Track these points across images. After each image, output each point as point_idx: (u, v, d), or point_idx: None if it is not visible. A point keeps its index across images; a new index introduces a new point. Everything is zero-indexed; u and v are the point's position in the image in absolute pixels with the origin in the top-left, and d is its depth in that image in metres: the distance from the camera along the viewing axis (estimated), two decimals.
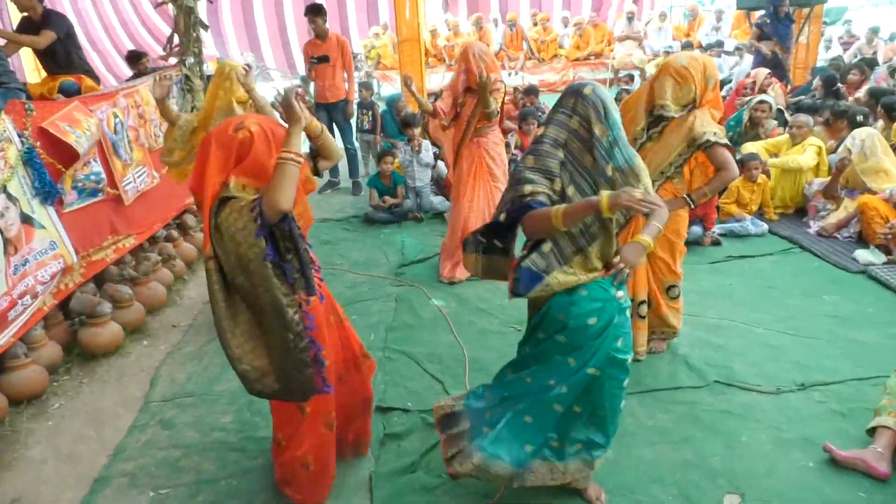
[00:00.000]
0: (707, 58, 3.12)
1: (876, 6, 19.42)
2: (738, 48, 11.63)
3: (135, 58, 6.99)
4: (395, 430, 3.12)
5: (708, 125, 3.04)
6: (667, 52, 11.58)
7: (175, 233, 5.22)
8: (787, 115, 6.46)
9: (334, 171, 7.22)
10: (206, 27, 5.79)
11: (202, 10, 6.02)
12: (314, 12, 6.43)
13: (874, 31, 11.91)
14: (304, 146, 2.30)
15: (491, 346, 3.86)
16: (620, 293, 2.31)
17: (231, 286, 2.27)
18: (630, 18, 12.55)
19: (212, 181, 2.16)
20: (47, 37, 5.01)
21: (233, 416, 3.34)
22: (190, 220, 5.46)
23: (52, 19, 5.08)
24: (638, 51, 12.41)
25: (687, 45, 11.75)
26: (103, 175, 4.28)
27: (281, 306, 2.20)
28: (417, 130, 6.14)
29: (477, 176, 4.68)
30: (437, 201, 6.08)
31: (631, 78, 10.55)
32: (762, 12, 8.73)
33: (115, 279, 4.37)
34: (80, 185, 4.04)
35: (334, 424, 2.64)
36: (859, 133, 4.90)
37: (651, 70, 10.88)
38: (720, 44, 11.45)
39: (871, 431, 2.80)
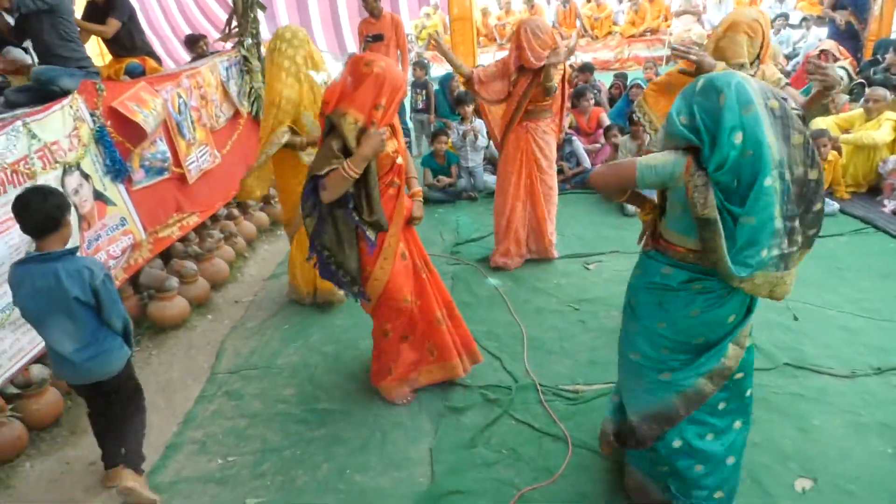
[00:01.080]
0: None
1: None
2: (804, 20, 11.10)
3: (193, 41, 7.12)
4: (455, 405, 3.13)
5: (777, 72, 2.94)
6: None
7: (236, 211, 5.34)
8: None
9: None
10: (263, 8, 5.85)
11: None
12: None
13: None
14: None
15: (548, 325, 3.82)
16: None
17: None
18: None
19: (336, 98, 2.65)
20: (113, 25, 5.16)
21: (295, 389, 3.42)
22: None
23: (115, 5, 5.21)
24: (697, 25, 11.97)
25: None
26: (168, 154, 4.40)
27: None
28: (470, 108, 6.09)
29: (523, 165, 4.42)
30: (492, 180, 6.02)
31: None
32: None
33: (181, 255, 4.50)
34: (147, 163, 4.17)
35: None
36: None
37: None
38: (785, 16, 10.95)
39: None
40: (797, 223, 1.90)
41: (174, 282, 4.05)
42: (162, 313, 3.99)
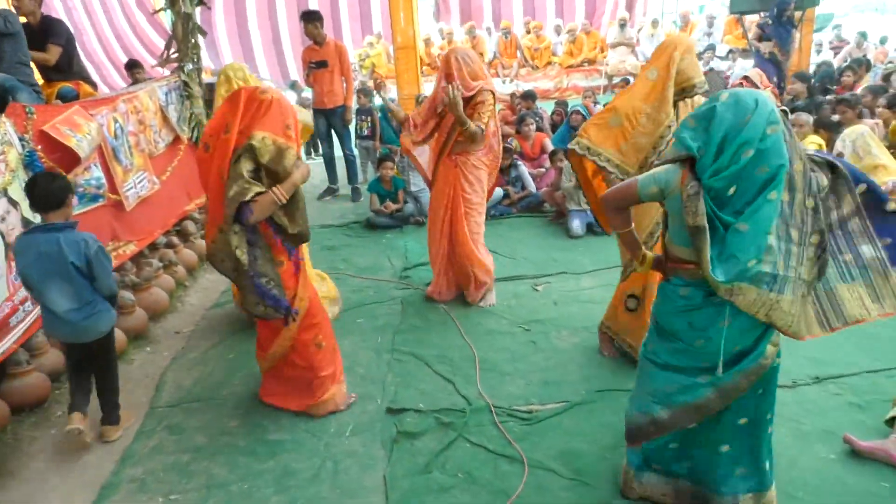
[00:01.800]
0: None
1: (861, 13, 19.69)
2: (730, 52, 11.73)
3: (133, 66, 6.98)
4: (409, 430, 3.07)
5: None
6: None
7: (176, 239, 5.16)
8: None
9: (333, 177, 7.19)
10: (204, 33, 5.77)
11: (197, 18, 5.99)
12: (310, 18, 6.42)
13: (863, 36, 12.05)
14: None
15: (500, 346, 3.82)
16: None
17: None
18: (622, 25, 12.62)
19: (235, 129, 2.75)
20: (55, 52, 5.01)
21: (240, 420, 3.28)
22: (190, 226, 5.40)
23: (53, 28, 5.04)
24: (631, 57, 12.48)
25: None
26: (104, 180, 4.22)
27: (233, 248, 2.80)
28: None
29: (450, 200, 4.19)
30: None
31: (627, 83, 10.58)
32: (766, 14, 8.79)
33: (117, 286, 4.29)
34: (80, 189, 3.98)
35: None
36: (848, 134, 4.86)
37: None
38: (712, 48, 11.54)
39: (890, 422, 2.79)
40: (795, 248, 1.95)
41: None
42: None
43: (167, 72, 5.80)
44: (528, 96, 7.79)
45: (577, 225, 5.47)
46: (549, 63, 13.10)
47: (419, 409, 3.23)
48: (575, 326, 3.98)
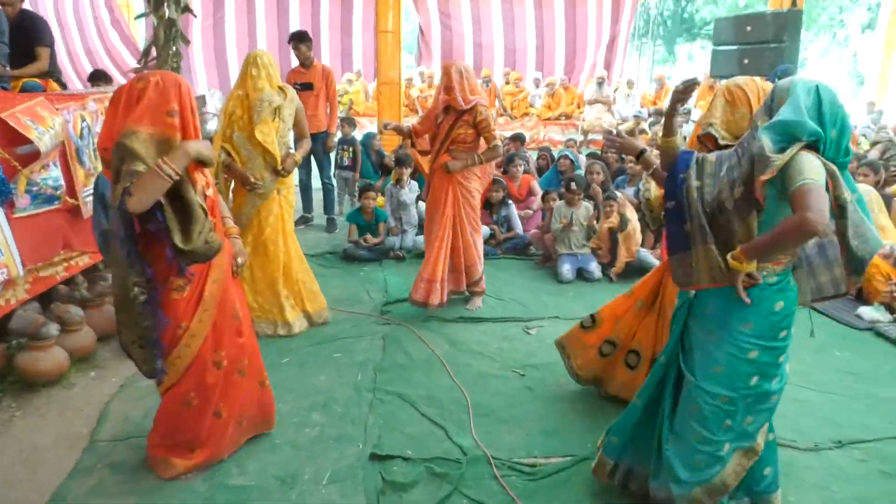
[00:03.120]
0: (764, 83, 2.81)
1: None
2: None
3: (97, 77, 6.59)
4: (396, 480, 2.67)
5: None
6: (636, 118, 11.85)
7: None
8: None
9: (308, 206, 6.84)
10: (187, 41, 5.45)
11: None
12: (298, 39, 6.19)
13: None
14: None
15: (493, 391, 3.48)
16: None
17: None
18: (600, 83, 12.82)
19: (116, 129, 2.26)
20: (45, 56, 4.68)
21: None
22: None
23: (37, 27, 4.70)
24: (607, 115, 12.63)
25: (656, 112, 12.04)
26: (62, 182, 3.78)
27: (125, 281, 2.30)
28: (408, 171, 5.88)
29: (447, 209, 4.29)
30: (421, 240, 5.74)
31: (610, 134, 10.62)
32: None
33: (64, 300, 3.82)
34: (35, 189, 3.54)
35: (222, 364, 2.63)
36: (859, 189, 4.87)
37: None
38: (688, 112, 11.76)
39: None
40: None
41: (53, 329, 3.39)
42: (33, 366, 3.29)
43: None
44: (517, 138, 7.67)
45: (566, 269, 5.23)
46: (526, 114, 13.17)
47: (407, 456, 2.84)
48: None
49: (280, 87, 3.99)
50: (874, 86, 13.88)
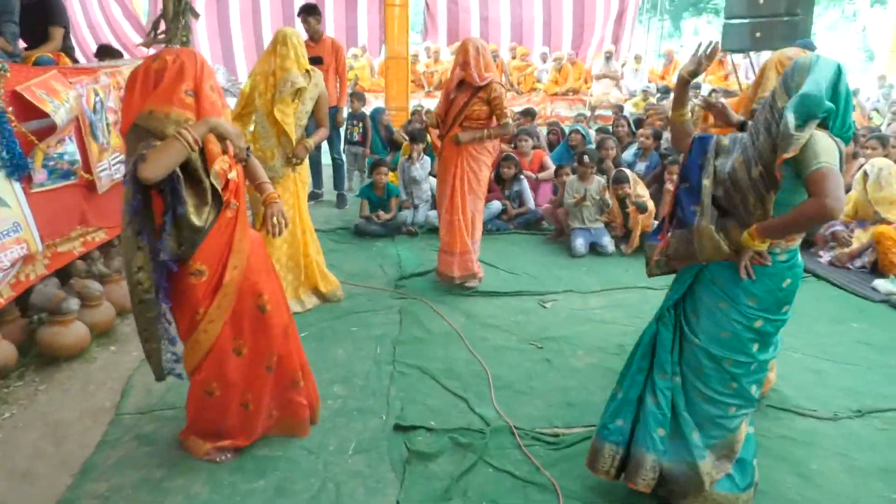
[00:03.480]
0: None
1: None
2: (713, 91, 11.86)
3: (104, 52, 6.51)
4: (421, 450, 2.70)
5: None
6: (644, 92, 11.75)
7: None
8: None
9: (318, 181, 6.81)
10: (196, 15, 5.36)
11: None
12: (307, 12, 6.11)
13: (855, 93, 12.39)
14: None
15: (512, 363, 3.49)
16: None
17: None
18: (608, 58, 12.68)
19: (134, 112, 2.20)
20: (58, 36, 4.59)
21: None
22: None
23: (50, 6, 4.62)
24: (615, 90, 12.51)
25: (664, 88, 11.93)
26: (78, 156, 3.76)
27: (134, 269, 2.28)
28: (421, 146, 5.85)
29: (456, 181, 4.26)
30: (433, 215, 5.74)
31: (620, 109, 10.48)
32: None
33: (82, 275, 3.83)
34: (51, 164, 3.53)
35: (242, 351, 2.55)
36: (878, 162, 4.83)
37: (630, 108, 10.95)
38: (697, 86, 11.64)
39: None
40: None
41: (73, 303, 3.40)
42: (56, 340, 3.31)
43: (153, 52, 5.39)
44: (528, 113, 7.61)
45: (580, 244, 5.22)
46: (533, 89, 13.05)
47: (431, 427, 2.86)
48: (590, 346, 3.69)
49: (307, 70, 3.90)
50: (884, 60, 13.71)
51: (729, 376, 2.20)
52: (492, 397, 3.13)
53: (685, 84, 2.30)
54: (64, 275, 3.80)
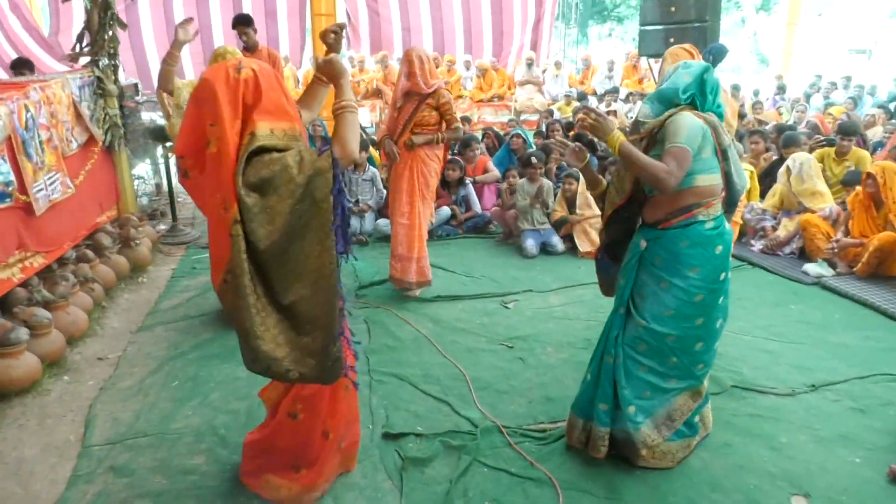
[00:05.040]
0: None
1: (737, 72, 22.11)
2: (630, 95, 12.42)
3: (20, 65, 6.09)
4: (415, 456, 2.69)
5: None
6: (566, 97, 12.16)
7: (90, 253, 4.42)
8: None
9: None
10: (123, 26, 5.13)
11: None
12: (244, 23, 5.92)
13: (736, 88, 13.21)
14: None
15: (487, 364, 3.53)
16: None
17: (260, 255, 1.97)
18: (529, 65, 13.02)
19: (228, 133, 1.90)
20: None
21: (205, 456, 2.74)
22: (105, 239, 4.66)
23: None
24: (538, 95, 12.88)
25: (581, 94, 12.40)
26: (12, 177, 3.53)
27: (335, 269, 2.05)
28: (365, 155, 5.82)
29: (413, 187, 4.30)
30: (383, 223, 5.71)
31: (550, 114, 10.79)
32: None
33: (25, 303, 3.57)
34: None
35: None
36: (798, 157, 5.22)
37: (557, 113, 11.29)
38: (615, 90, 12.16)
39: None
40: None
41: (23, 333, 3.17)
42: (6, 374, 3.07)
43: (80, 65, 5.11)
44: (465, 120, 7.71)
45: (531, 244, 5.34)
46: (459, 96, 13.21)
47: (419, 432, 2.86)
48: (558, 342, 3.79)
49: None
50: (779, 62, 14.82)
51: (669, 350, 2.49)
52: (474, 399, 3.16)
53: (585, 165, 2.70)
54: (4, 304, 3.53)
